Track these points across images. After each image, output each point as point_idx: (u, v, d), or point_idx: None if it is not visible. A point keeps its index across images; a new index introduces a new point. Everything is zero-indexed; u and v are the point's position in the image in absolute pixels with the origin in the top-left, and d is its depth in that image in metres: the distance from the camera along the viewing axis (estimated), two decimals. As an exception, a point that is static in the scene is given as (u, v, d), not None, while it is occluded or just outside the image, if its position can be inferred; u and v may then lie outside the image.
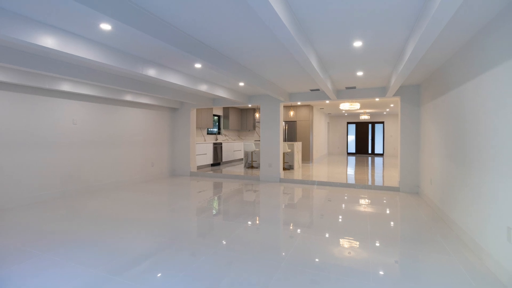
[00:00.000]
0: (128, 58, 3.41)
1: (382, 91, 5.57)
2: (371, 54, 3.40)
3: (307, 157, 9.75)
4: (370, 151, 14.50)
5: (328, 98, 6.03)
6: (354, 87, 5.62)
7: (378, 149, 14.40)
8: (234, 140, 11.29)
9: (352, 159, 11.69)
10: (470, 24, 2.42)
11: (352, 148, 14.86)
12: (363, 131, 14.58)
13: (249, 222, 3.37)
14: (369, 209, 3.99)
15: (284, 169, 8.23)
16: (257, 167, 8.56)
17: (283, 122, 9.97)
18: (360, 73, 4.40)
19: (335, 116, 14.76)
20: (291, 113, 8.83)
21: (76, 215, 3.65)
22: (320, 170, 7.94)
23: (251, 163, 8.73)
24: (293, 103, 7.71)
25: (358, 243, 2.74)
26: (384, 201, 4.49)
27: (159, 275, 2.11)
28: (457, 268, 2.22)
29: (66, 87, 4.39)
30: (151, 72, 3.79)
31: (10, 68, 3.67)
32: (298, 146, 8.70)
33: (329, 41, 2.96)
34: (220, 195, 4.95)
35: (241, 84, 5.39)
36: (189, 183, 6.23)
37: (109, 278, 2.06)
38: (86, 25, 2.55)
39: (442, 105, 3.65)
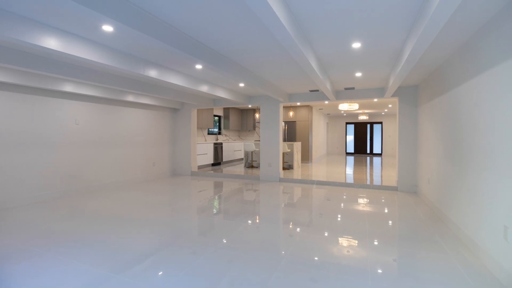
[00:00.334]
0: (130, 59, 3.44)
1: (380, 91, 5.61)
2: (369, 55, 3.43)
3: (306, 157, 9.79)
4: (368, 151, 14.55)
5: (327, 99, 6.07)
6: (353, 88, 5.66)
7: (377, 149, 14.44)
8: (235, 140, 11.33)
9: (350, 159, 11.72)
10: (468, 26, 2.45)
11: (350, 148, 14.90)
12: (362, 131, 14.63)
13: (249, 221, 3.41)
14: (367, 208, 4.02)
15: (284, 168, 8.26)
16: (257, 167, 8.60)
17: (283, 123, 9.99)
18: (358, 74, 4.44)
19: (334, 117, 14.80)
20: (291, 113, 8.87)
21: (78, 214, 3.68)
22: (319, 170, 7.97)
23: (251, 163, 8.77)
24: (292, 104, 7.76)
25: (356, 241, 2.78)
26: (383, 201, 4.53)
27: (160, 273, 2.14)
28: (455, 266, 2.26)
29: (68, 87, 4.42)
30: (153, 73, 3.82)
31: (13, 69, 3.69)
32: (297, 146, 8.74)
33: (328, 42, 2.99)
34: (220, 195, 4.98)
35: (241, 85, 5.43)
36: (190, 182, 6.26)
37: (111, 276, 2.09)
38: (88, 26, 2.59)
39: (440, 105, 3.68)
